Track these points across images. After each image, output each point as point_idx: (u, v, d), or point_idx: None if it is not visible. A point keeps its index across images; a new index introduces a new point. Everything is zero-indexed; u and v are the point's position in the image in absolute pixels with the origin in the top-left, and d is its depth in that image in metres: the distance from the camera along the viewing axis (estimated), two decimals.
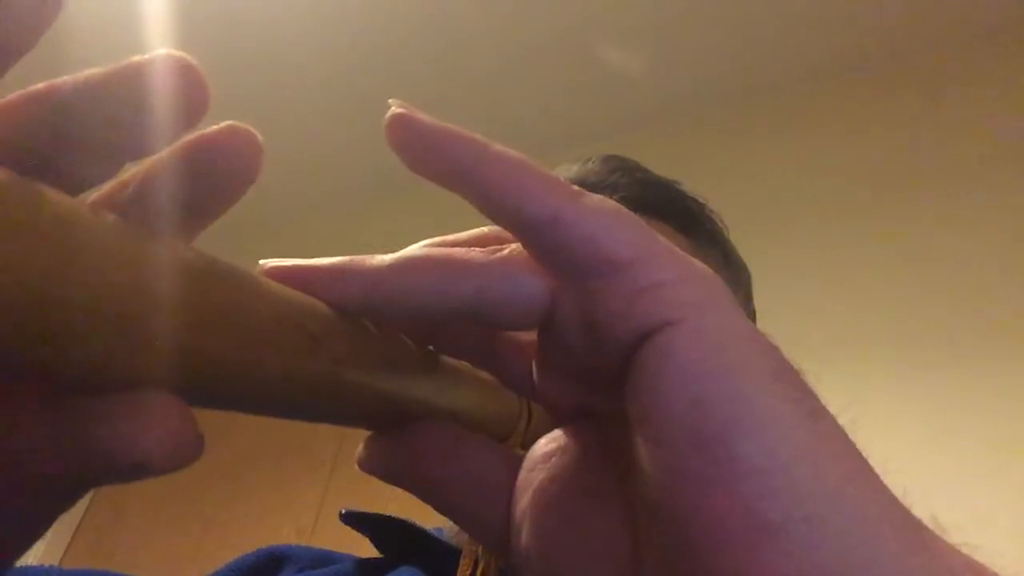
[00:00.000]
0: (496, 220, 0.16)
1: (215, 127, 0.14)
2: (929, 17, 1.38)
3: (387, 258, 0.16)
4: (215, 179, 0.14)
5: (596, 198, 0.16)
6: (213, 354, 0.12)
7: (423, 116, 0.16)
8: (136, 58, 0.12)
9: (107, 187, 0.14)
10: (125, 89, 0.12)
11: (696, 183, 0.51)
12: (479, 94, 1.65)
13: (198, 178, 0.14)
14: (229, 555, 0.46)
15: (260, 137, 0.14)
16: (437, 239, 0.19)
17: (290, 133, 1.74)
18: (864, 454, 0.14)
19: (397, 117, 0.16)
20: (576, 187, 0.16)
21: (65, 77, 0.12)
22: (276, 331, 0.14)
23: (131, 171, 0.14)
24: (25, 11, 0.11)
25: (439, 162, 0.16)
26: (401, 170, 0.17)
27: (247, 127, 0.14)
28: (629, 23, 1.47)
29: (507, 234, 0.19)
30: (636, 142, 1.52)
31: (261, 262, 0.16)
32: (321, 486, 1.57)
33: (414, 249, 0.17)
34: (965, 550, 0.14)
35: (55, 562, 1.56)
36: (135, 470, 0.11)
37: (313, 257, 0.16)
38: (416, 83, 1.61)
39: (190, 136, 0.14)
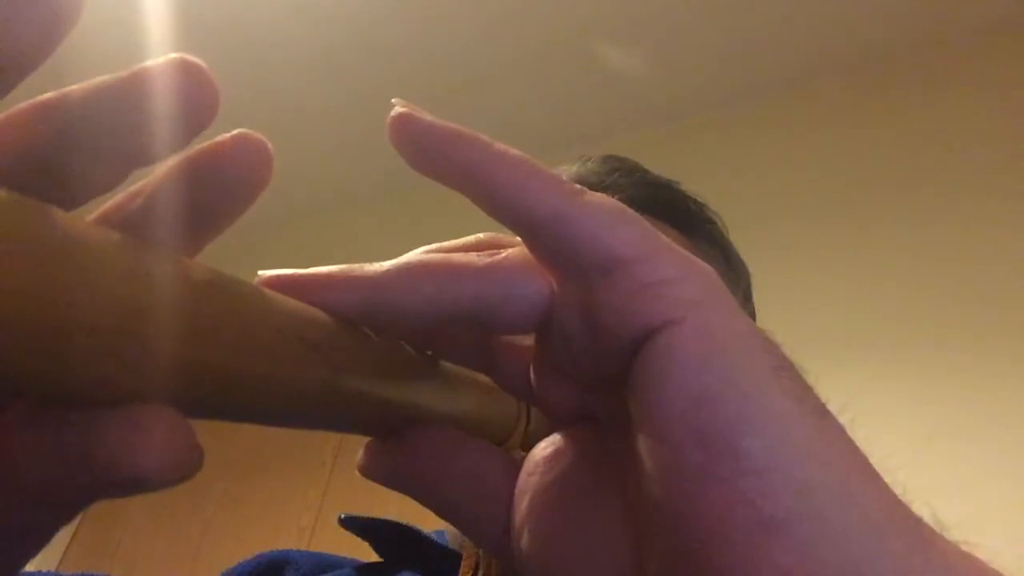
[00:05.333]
0: (498, 219, 0.16)
1: (225, 135, 0.14)
2: (929, 16, 1.38)
3: (385, 265, 0.16)
4: (225, 188, 0.14)
5: (599, 196, 0.16)
6: (212, 366, 0.12)
7: (426, 115, 0.16)
8: (144, 64, 0.12)
9: (118, 198, 0.14)
10: (134, 96, 0.12)
11: (696, 183, 0.51)
12: (479, 94, 1.65)
13: (208, 187, 0.14)
14: (229, 556, 0.46)
15: (270, 145, 0.14)
16: (434, 245, 0.19)
17: (290, 134, 1.74)
18: (864, 452, 0.14)
19: (400, 116, 0.16)
20: (578, 186, 0.16)
21: (74, 86, 0.12)
22: (275, 341, 0.14)
23: (142, 182, 0.14)
24: (41, 20, 0.11)
25: (442, 161, 0.16)
26: (403, 170, 0.17)
27: (258, 135, 0.14)
28: (629, 23, 1.47)
29: (503, 239, 0.19)
30: (636, 142, 1.53)
31: (259, 273, 0.16)
32: (321, 486, 1.57)
33: (411, 255, 0.17)
34: (965, 548, 0.14)
35: (54, 564, 1.56)
36: (133, 485, 0.11)
37: (314, 258, 0.16)
38: (417, 83, 1.62)
39: (200, 145, 0.13)
